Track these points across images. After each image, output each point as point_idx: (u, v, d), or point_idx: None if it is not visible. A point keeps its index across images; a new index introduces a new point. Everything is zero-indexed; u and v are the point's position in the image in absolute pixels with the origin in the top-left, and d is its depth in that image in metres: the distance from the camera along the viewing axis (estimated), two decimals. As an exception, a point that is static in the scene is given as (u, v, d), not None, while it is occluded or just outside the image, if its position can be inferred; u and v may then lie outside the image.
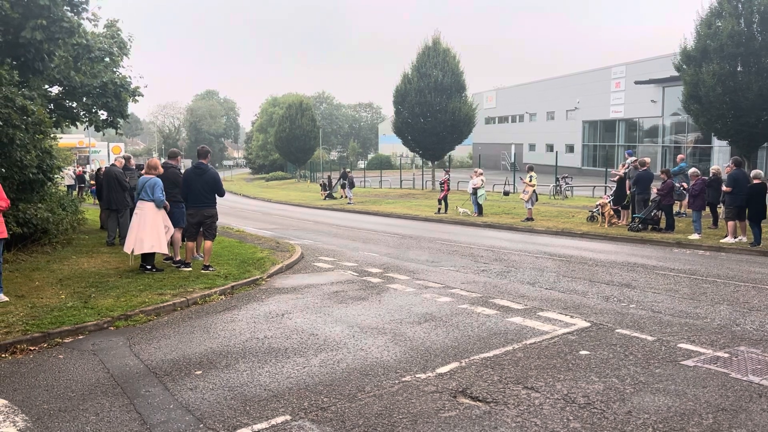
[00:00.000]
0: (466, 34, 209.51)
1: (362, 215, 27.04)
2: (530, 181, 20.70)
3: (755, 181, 14.40)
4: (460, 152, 66.99)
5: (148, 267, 10.90)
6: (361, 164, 79.30)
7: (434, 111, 37.30)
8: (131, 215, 11.56)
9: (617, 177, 19.47)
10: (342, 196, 36.15)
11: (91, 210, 19.45)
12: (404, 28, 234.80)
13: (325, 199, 36.51)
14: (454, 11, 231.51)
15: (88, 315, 8.00)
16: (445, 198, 25.52)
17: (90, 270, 11.09)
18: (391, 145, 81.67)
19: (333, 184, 39.11)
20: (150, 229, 10.54)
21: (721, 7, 22.07)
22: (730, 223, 15.08)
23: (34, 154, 12.77)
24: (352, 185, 34.26)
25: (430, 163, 41.73)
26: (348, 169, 39.49)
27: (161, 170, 11.17)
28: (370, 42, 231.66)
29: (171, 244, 11.50)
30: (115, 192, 14.30)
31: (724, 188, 15.15)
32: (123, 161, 15.55)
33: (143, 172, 11.18)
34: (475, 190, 23.35)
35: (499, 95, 67.05)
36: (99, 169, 17.45)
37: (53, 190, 15.79)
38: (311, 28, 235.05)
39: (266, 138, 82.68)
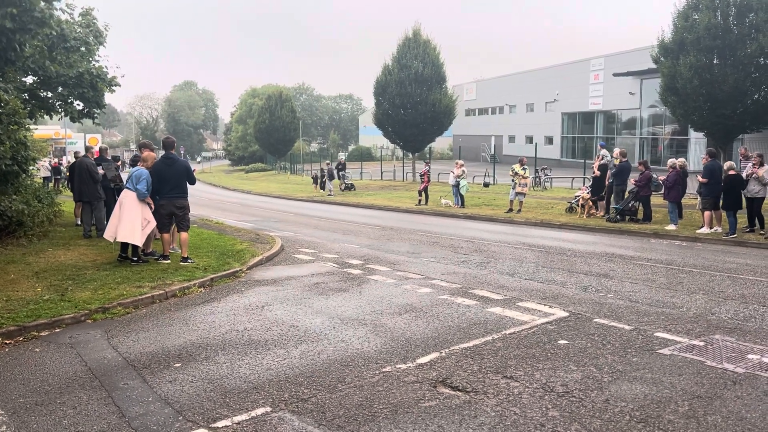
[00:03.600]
0: (447, 26, 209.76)
1: (343, 207, 27.00)
2: (525, 172, 20.85)
3: (730, 173, 14.60)
4: (441, 144, 67.02)
5: (134, 259, 10.81)
6: (342, 156, 79.11)
7: (415, 102, 37.28)
8: (106, 207, 11.39)
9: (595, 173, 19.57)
10: (344, 188, 35.34)
11: (68, 202, 19.16)
12: (385, 20, 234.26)
13: (342, 190, 34.69)
14: (436, 3, 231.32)
15: (65, 308, 7.91)
16: (425, 189, 25.57)
17: (67, 262, 10.95)
18: (371, 136, 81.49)
19: (343, 175, 37.33)
20: (126, 220, 10.41)
21: (698, 0, 22.31)
22: (706, 214, 15.29)
23: (8, 145, 12.55)
24: (331, 177, 34.18)
25: (410, 155, 41.74)
26: (328, 161, 39.33)
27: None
28: (351, 33, 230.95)
29: (157, 238, 11.38)
30: (86, 184, 13.97)
31: (699, 179, 15.35)
32: (98, 152, 15.27)
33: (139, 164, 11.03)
34: (457, 182, 23.42)
35: (479, 87, 67.17)
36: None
37: (28, 182, 15.55)
38: (292, 20, 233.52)
39: (246, 129, 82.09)
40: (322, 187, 36.22)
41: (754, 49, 20.92)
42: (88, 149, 15.03)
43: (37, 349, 6.69)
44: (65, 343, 6.86)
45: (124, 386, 5.53)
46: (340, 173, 37.14)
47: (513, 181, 21.06)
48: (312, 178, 39.40)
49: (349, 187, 35.56)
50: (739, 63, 21.17)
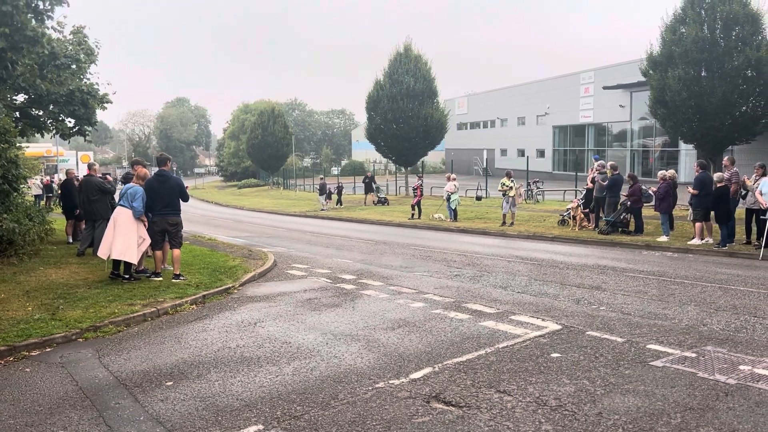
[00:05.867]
0: (438, 42, 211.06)
1: (336, 222, 26.99)
2: (513, 184, 21.01)
3: (719, 184, 14.68)
4: (433, 158, 67.29)
5: (126, 276, 10.76)
6: (335, 171, 79.22)
7: (407, 117, 37.44)
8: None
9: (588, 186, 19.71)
10: (377, 201, 33.96)
11: (59, 220, 19.08)
12: (377, 35, 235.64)
13: (375, 204, 33.56)
14: (427, 18, 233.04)
15: (55, 327, 7.86)
16: (418, 203, 25.62)
17: (58, 281, 10.89)
18: (364, 151, 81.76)
19: (376, 188, 35.95)
20: (121, 237, 10.38)
21: (685, 14, 22.57)
22: (698, 225, 15.37)
23: (-1, 163, 12.53)
24: (323, 192, 34.11)
25: (403, 169, 41.85)
26: (322, 176, 39.11)
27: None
28: (344, 49, 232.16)
29: (149, 255, 11.37)
30: (99, 202, 13.78)
31: (690, 190, 15.45)
32: (98, 168, 15.20)
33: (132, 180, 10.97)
34: (449, 196, 23.49)
35: (470, 101, 67.52)
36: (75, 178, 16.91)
37: (19, 200, 15.48)
38: (285, 36, 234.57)
39: (238, 145, 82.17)
40: (338, 202, 35.03)
41: (741, 61, 21.13)
42: (90, 167, 14.83)
43: (28, 369, 6.63)
44: (56, 363, 6.81)
45: (115, 405, 5.49)
46: (373, 185, 35.71)
47: (505, 194, 21.11)
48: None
49: (383, 201, 33.90)
50: (727, 75, 21.36)
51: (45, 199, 31.87)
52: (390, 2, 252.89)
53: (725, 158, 15.90)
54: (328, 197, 35.55)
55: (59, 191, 20.24)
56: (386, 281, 11.30)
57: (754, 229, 14.51)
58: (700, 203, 15.10)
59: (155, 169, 11.30)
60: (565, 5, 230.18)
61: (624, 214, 17.67)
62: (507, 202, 21.09)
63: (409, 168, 41.52)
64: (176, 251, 11.02)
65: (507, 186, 20.92)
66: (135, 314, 8.59)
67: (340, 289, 10.60)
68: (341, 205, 34.83)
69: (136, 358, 6.86)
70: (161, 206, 10.76)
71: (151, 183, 10.85)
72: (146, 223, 10.73)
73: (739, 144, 24.16)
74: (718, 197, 14.57)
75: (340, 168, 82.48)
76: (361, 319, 8.44)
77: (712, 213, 15.07)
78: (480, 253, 15.02)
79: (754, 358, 6.38)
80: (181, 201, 11.06)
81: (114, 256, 10.54)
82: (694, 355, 6.53)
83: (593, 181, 19.11)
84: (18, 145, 15.37)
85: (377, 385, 5.80)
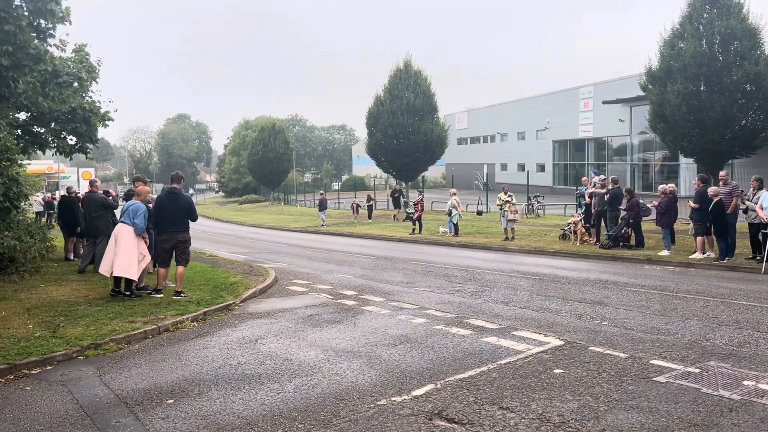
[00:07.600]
0: (438, 57, 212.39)
1: (337, 237, 26.98)
2: (512, 199, 21.05)
3: (714, 199, 14.63)
4: (434, 173, 67.37)
5: (127, 293, 10.74)
6: (336, 186, 79.31)
7: (407, 132, 37.60)
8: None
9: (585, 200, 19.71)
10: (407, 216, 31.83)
11: (60, 237, 19.07)
12: (378, 51, 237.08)
13: (404, 220, 31.40)
14: (426, 34, 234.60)
15: (56, 345, 7.83)
16: (419, 218, 25.61)
17: (59, 298, 10.86)
18: (365, 166, 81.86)
19: (405, 203, 34.12)
20: (123, 254, 10.37)
21: (684, 29, 22.75)
22: (699, 239, 15.35)
23: (0, 181, 12.54)
24: (322, 207, 34.11)
25: (404, 184, 41.94)
26: (322, 192, 39.10)
27: (148, 197, 11.02)
28: (343, 65, 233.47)
29: (150, 272, 11.34)
30: (101, 218, 13.76)
31: (691, 204, 15.44)
32: (100, 184, 15.20)
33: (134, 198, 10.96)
34: (450, 211, 23.50)
35: (470, 116, 67.78)
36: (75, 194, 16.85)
37: (20, 218, 15.49)
38: (286, 52, 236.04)
39: (239, 161, 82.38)
40: (369, 216, 33.77)
41: (740, 76, 21.27)
42: (92, 183, 14.77)
43: (28, 388, 6.60)
44: (56, 381, 6.78)
45: (116, 424, 5.46)
46: (401, 200, 34.08)
47: (502, 209, 21.13)
48: (351, 207, 35.55)
49: (410, 217, 30.66)
50: (726, 90, 21.48)
51: (46, 216, 31.88)
52: (391, 19, 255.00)
53: (721, 172, 15.94)
54: (355, 212, 34.27)
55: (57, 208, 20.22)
56: (387, 297, 11.27)
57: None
58: (701, 217, 15.08)
59: (157, 186, 11.31)
60: (564, 19, 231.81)
61: (625, 228, 17.66)
62: (504, 217, 21.12)
63: (409, 183, 41.61)
64: (180, 268, 11.01)
65: (503, 201, 20.96)
66: (136, 331, 8.56)
67: (342, 305, 10.58)
68: (371, 219, 33.68)
69: (137, 376, 6.83)
70: (170, 223, 10.78)
71: (161, 199, 10.89)
72: (147, 240, 10.73)
73: (739, 158, 24.25)
74: (715, 211, 14.53)
75: (340, 183, 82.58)
76: (362, 335, 8.41)
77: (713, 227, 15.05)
78: (481, 268, 15.00)
79: (758, 373, 6.35)
80: (189, 220, 11.05)
81: (115, 273, 10.53)
82: (697, 370, 6.50)
83: (591, 195, 19.12)
84: (19, 162, 15.40)
85: (379, 403, 5.77)
